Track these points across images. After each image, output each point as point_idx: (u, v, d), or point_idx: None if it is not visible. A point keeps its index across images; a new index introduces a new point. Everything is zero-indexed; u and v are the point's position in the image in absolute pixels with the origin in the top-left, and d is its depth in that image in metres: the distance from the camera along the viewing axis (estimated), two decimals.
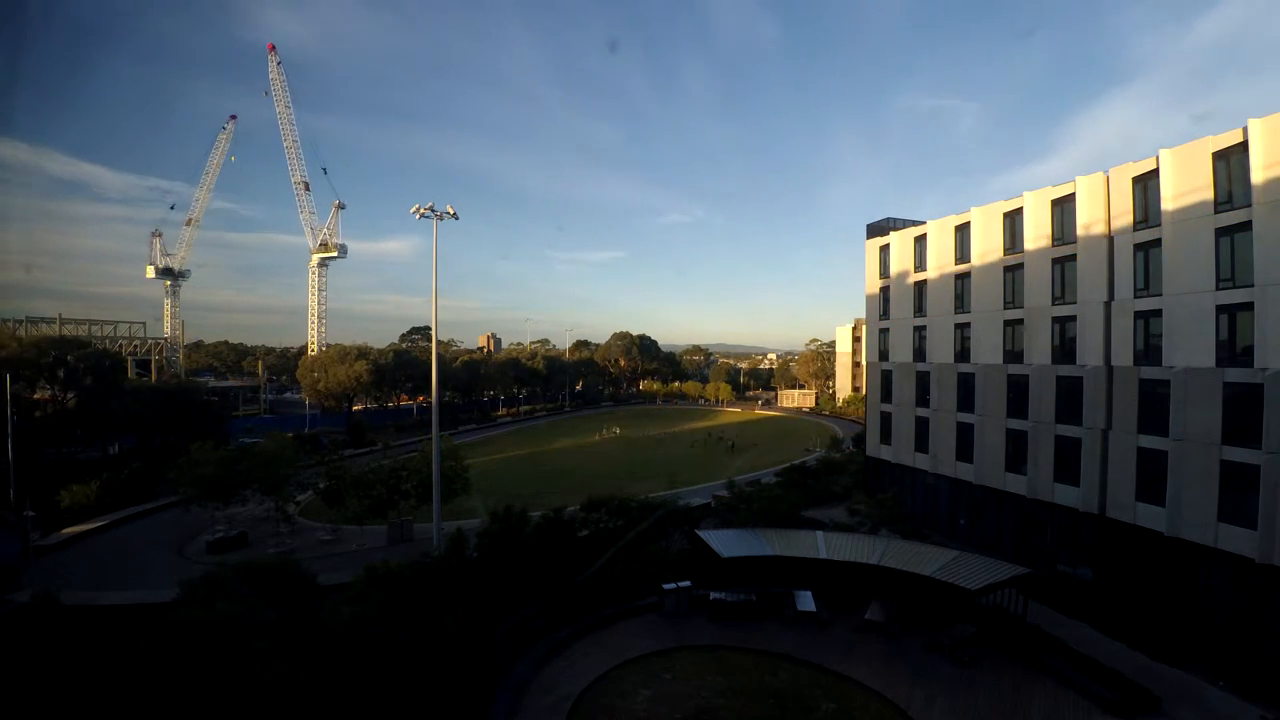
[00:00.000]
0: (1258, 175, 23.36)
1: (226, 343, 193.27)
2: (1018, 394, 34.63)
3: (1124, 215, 29.16)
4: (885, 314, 46.66)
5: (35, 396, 63.62)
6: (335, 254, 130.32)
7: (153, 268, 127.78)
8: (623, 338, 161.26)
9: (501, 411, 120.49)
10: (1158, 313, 27.41)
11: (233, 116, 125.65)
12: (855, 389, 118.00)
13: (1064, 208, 32.13)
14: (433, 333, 45.43)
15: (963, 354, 38.93)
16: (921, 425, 42.35)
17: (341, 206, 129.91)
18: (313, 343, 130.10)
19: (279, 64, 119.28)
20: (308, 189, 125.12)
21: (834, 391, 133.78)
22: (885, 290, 46.51)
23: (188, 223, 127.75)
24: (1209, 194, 25.35)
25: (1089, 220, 30.72)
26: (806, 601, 27.89)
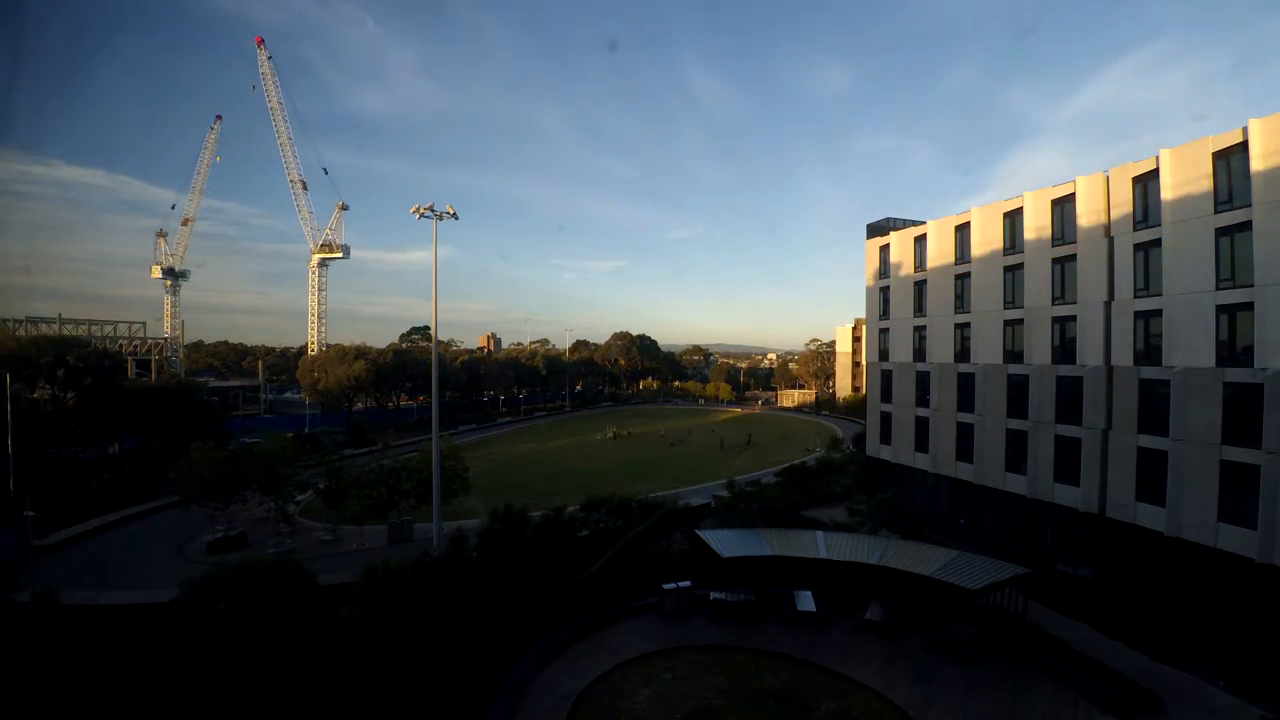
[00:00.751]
0: (1258, 175, 23.37)
1: (226, 343, 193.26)
2: (1018, 394, 34.62)
3: (1124, 215, 29.17)
4: (885, 314, 46.65)
5: (35, 396, 63.59)
6: (339, 255, 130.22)
7: (158, 267, 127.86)
8: (622, 338, 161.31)
9: (502, 411, 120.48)
10: (1158, 313, 27.41)
11: (219, 117, 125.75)
12: (855, 389, 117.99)
13: (1064, 207, 32.13)
14: (433, 333, 45.48)
15: (963, 354, 38.92)
16: (921, 425, 42.35)
17: (345, 208, 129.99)
18: (313, 343, 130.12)
19: (269, 58, 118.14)
20: (305, 188, 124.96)
21: (834, 391, 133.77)
22: (885, 290, 46.50)
23: (184, 223, 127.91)
24: (1209, 194, 25.35)
25: (1089, 220, 30.71)
26: (806, 601, 27.90)
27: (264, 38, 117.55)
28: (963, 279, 38.83)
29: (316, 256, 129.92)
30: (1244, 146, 23.91)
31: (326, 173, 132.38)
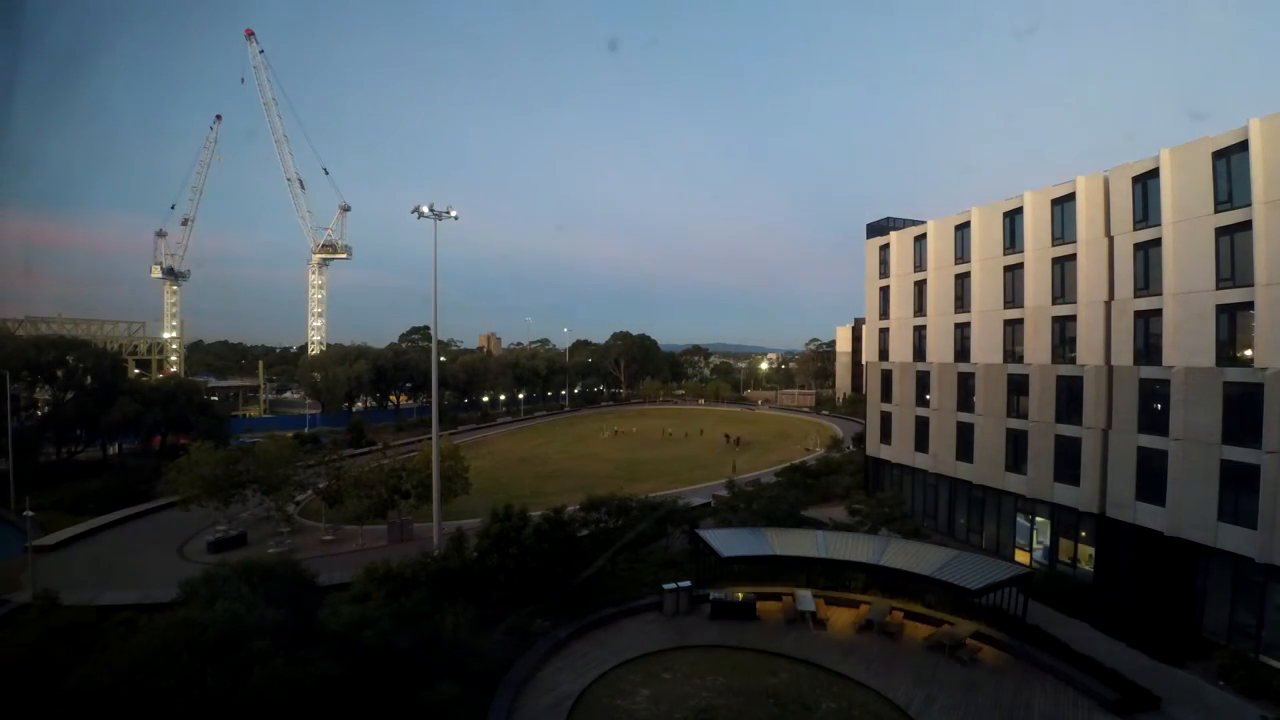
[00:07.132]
0: (1258, 175, 23.36)
1: (226, 342, 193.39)
2: (1018, 393, 34.63)
3: (1124, 214, 29.18)
4: (885, 313, 46.66)
5: (35, 396, 63.58)
6: (342, 256, 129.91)
7: (158, 267, 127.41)
8: (622, 338, 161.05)
9: (501, 411, 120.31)
10: (1158, 312, 27.41)
11: (218, 116, 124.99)
12: (855, 389, 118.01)
13: (1064, 207, 32.14)
14: (433, 333, 45.46)
15: (962, 353, 38.93)
16: (921, 425, 42.36)
17: (346, 209, 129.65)
18: (313, 342, 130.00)
19: (261, 52, 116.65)
20: (303, 186, 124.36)
21: (834, 391, 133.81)
22: (885, 290, 46.50)
23: (184, 223, 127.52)
24: (1209, 193, 25.35)
25: (1089, 220, 30.71)
26: (807, 601, 27.91)
27: (257, 32, 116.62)
28: (963, 279, 38.84)
29: (317, 257, 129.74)
30: (1244, 146, 23.89)
31: (327, 173, 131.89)
